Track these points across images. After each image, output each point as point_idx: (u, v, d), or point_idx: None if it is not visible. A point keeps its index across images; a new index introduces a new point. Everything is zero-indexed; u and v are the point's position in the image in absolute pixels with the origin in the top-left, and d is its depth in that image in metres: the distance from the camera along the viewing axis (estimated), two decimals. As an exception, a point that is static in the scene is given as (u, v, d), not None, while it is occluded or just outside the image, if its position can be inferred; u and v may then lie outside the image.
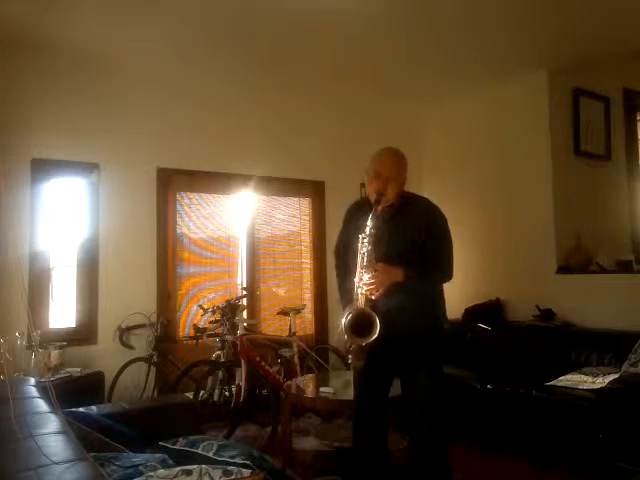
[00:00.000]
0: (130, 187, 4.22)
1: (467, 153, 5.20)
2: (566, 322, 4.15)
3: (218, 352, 3.93)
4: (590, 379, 3.29)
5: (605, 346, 3.63)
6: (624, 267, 4.20)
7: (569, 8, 3.45)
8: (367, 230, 2.33)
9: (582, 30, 3.78)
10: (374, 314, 2.27)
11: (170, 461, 1.81)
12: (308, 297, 5.07)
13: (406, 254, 2.38)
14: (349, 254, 2.49)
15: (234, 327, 3.90)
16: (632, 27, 3.76)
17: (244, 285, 4.66)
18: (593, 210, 4.64)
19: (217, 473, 1.54)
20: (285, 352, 4.31)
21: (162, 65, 4.32)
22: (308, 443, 3.68)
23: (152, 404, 3.11)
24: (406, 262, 2.35)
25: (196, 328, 4.09)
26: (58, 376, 3.45)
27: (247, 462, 1.75)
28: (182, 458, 1.86)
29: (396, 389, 2.55)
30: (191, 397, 3.54)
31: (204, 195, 4.59)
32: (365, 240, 2.33)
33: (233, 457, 1.81)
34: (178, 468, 1.55)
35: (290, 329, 4.41)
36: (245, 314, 4.41)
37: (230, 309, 3.93)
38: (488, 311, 4.60)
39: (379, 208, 2.38)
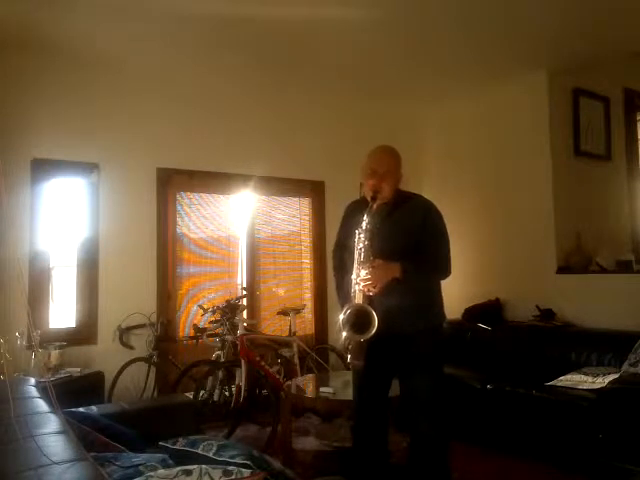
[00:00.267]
0: (130, 187, 4.22)
1: (467, 153, 5.20)
2: (566, 322, 4.15)
3: (218, 352, 3.94)
4: (590, 379, 3.30)
5: (605, 346, 3.63)
6: (624, 267, 4.20)
7: (569, 8, 3.45)
8: (363, 226, 2.33)
9: (582, 30, 3.78)
10: (371, 310, 2.25)
11: (170, 461, 1.80)
12: (308, 297, 5.07)
13: (403, 250, 2.38)
14: (347, 252, 2.49)
15: (234, 327, 3.90)
16: (632, 27, 3.76)
17: (244, 285, 4.66)
18: (593, 210, 4.64)
19: (217, 473, 1.53)
20: (285, 352, 4.32)
21: (162, 65, 4.32)
22: (308, 443, 3.68)
23: (152, 404, 3.11)
24: (403, 258, 2.34)
25: (196, 328, 4.09)
26: (58, 376, 3.45)
27: (247, 462, 1.75)
28: (182, 458, 1.86)
29: (396, 389, 2.54)
30: (191, 397, 3.54)
31: (204, 195, 4.59)
32: (362, 236, 2.33)
33: (233, 457, 1.80)
34: (178, 468, 1.55)
35: (290, 329, 4.41)
36: (245, 314, 4.41)
37: (230, 309, 3.93)
38: (488, 311, 4.59)
39: (375, 205, 2.38)
